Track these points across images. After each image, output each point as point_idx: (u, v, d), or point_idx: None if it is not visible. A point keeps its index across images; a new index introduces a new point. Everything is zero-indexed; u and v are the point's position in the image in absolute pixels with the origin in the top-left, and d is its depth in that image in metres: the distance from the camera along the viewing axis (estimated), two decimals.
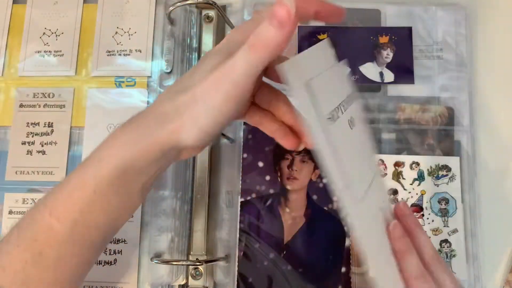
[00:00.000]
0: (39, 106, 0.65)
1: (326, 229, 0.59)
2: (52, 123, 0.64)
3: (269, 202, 0.60)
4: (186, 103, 0.40)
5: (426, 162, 0.61)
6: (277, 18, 0.34)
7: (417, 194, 0.60)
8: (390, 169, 0.61)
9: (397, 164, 0.61)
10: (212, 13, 0.67)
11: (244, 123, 0.62)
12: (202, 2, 0.63)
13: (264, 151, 0.61)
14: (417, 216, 0.60)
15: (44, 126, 0.64)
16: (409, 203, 0.60)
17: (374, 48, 0.64)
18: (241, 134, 0.62)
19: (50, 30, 0.68)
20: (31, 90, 0.66)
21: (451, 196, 0.60)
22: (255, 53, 0.36)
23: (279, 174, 0.61)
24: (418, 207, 0.60)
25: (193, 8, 0.68)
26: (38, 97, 0.65)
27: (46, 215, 0.42)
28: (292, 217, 0.60)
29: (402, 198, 0.60)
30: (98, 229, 0.43)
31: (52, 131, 0.64)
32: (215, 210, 0.62)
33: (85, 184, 0.41)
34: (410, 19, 0.66)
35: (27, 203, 0.63)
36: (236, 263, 0.59)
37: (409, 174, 0.61)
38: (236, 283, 0.59)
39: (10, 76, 0.67)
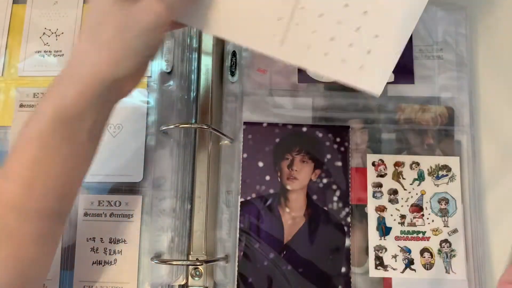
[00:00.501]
0: None
1: (326, 229, 0.59)
2: None
3: (269, 202, 0.60)
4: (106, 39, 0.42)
5: (426, 162, 0.61)
6: None
7: (417, 194, 0.60)
8: (390, 169, 0.61)
9: (397, 164, 0.61)
10: None
11: (244, 123, 0.62)
12: None
13: (264, 151, 0.61)
14: (417, 216, 0.60)
15: None
16: (409, 203, 0.60)
17: None
18: (241, 134, 0.62)
19: (50, 30, 0.68)
20: (31, 90, 0.66)
21: (451, 196, 0.60)
22: None
23: (279, 174, 0.61)
24: (418, 207, 0.60)
25: None
26: (38, 97, 0.65)
27: (1, 180, 0.42)
28: (292, 217, 0.60)
29: (402, 198, 0.60)
30: (56, 183, 0.44)
31: None
32: (215, 210, 0.62)
33: (32, 140, 0.42)
34: None
35: None
36: (236, 263, 0.59)
37: (409, 174, 0.61)
38: (236, 283, 0.59)
39: (10, 76, 0.67)
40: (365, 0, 0.41)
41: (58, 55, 0.67)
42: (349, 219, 0.60)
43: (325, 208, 0.60)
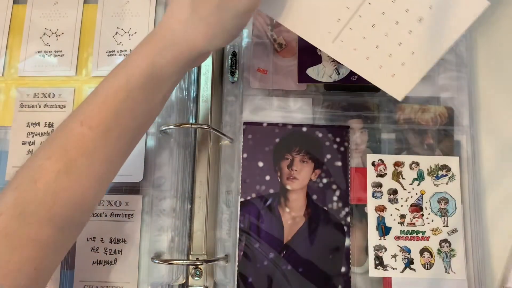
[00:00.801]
0: (40, 106, 0.65)
1: (326, 229, 0.60)
2: (52, 123, 0.65)
3: (269, 202, 0.60)
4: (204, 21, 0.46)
5: (426, 162, 0.61)
6: None
7: (416, 194, 0.60)
8: (390, 169, 0.61)
9: (397, 164, 0.61)
10: None
11: (244, 123, 0.62)
12: None
13: (264, 151, 0.62)
14: (416, 216, 0.60)
15: (44, 126, 0.64)
16: (409, 203, 0.60)
17: None
18: (241, 134, 0.62)
19: (50, 30, 0.68)
20: (32, 90, 0.66)
21: (451, 196, 0.60)
22: None
23: (279, 174, 0.61)
24: (417, 207, 0.60)
25: None
26: (38, 97, 0.65)
27: (77, 125, 0.44)
28: (292, 217, 0.60)
29: (401, 198, 0.60)
30: (127, 135, 0.47)
31: (52, 131, 0.64)
32: (215, 210, 0.62)
33: (119, 91, 0.45)
34: None
35: None
36: (236, 263, 0.59)
37: (408, 174, 0.61)
38: (236, 283, 0.59)
39: (10, 76, 0.67)
40: (412, 23, 0.49)
41: (58, 55, 0.67)
42: (349, 219, 0.60)
43: (325, 208, 0.60)
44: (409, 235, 0.60)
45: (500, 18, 0.67)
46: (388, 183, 0.61)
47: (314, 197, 0.60)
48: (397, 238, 0.60)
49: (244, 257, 0.59)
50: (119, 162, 0.49)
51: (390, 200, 0.60)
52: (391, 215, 0.60)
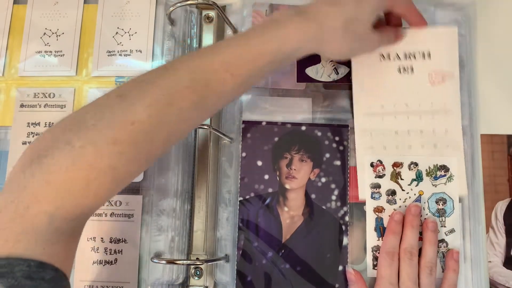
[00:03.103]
0: (40, 106, 0.65)
1: (324, 228, 0.59)
2: (52, 123, 0.65)
3: (267, 201, 0.60)
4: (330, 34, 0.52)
5: (425, 162, 0.61)
6: None
7: (415, 194, 0.60)
8: (389, 170, 0.61)
9: (396, 165, 0.61)
10: (212, 13, 0.68)
11: (243, 122, 0.62)
12: (202, 3, 0.64)
13: (263, 150, 0.62)
14: None
15: (44, 126, 0.65)
16: (407, 204, 0.60)
17: None
18: (240, 133, 0.62)
19: (50, 30, 0.68)
20: (32, 90, 0.66)
21: (449, 196, 0.60)
22: None
23: (278, 173, 0.61)
24: None
25: (193, 8, 0.68)
26: (38, 97, 0.66)
27: (222, 69, 0.47)
28: (291, 216, 0.60)
29: (400, 199, 0.60)
30: (247, 89, 0.53)
31: None
32: (215, 209, 0.62)
33: (265, 56, 0.49)
34: None
35: None
36: (235, 262, 0.59)
37: (407, 175, 0.61)
38: (235, 282, 0.59)
39: (10, 76, 0.67)
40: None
41: (59, 55, 0.67)
42: (347, 218, 0.60)
43: (324, 207, 0.60)
44: None
45: (499, 18, 0.67)
46: (386, 184, 0.60)
47: (313, 196, 0.60)
48: None
49: (242, 256, 0.59)
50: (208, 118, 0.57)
51: (388, 201, 0.60)
52: (389, 216, 0.60)
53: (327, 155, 0.61)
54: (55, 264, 0.41)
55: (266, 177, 0.61)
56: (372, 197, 0.60)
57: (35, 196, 0.40)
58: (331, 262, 0.59)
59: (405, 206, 0.60)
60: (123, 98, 0.44)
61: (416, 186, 0.60)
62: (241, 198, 0.61)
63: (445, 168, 0.60)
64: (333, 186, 0.60)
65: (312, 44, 0.51)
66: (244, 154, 0.62)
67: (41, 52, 0.67)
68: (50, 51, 0.67)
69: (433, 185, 0.60)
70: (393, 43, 0.61)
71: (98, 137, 0.41)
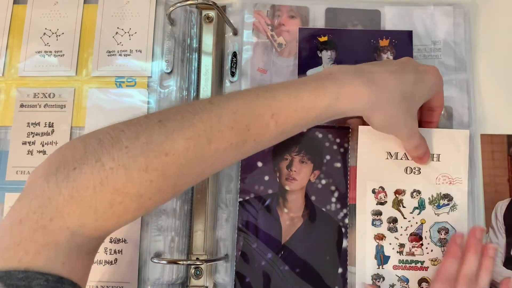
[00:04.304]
0: (40, 106, 0.65)
1: (323, 230, 0.60)
2: (52, 123, 0.65)
3: (267, 202, 0.60)
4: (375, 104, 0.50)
5: (428, 190, 0.59)
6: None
7: (416, 223, 0.59)
8: (391, 197, 0.60)
9: (398, 192, 0.60)
10: (212, 13, 0.67)
11: None
12: (202, 3, 0.64)
13: (263, 151, 0.61)
14: (416, 246, 0.59)
15: (44, 126, 0.65)
16: (408, 232, 0.59)
17: (374, 51, 0.64)
18: None
19: (50, 30, 0.68)
20: (32, 90, 0.66)
21: (451, 226, 0.59)
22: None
23: (278, 175, 0.61)
24: (417, 236, 0.59)
25: (193, 8, 0.68)
26: (38, 97, 0.66)
27: (268, 115, 0.46)
28: (290, 218, 0.60)
29: (401, 227, 0.59)
30: (287, 137, 0.50)
31: (52, 131, 0.65)
32: (215, 210, 0.62)
33: (315, 109, 0.48)
34: (410, 19, 0.65)
35: None
36: (234, 263, 0.59)
37: (409, 203, 0.59)
38: (233, 282, 0.59)
39: (10, 76, 0.67)
40: None
41: (59, 55, 0.67)
42: (347, 220, 0.60)
43: (324, 209, 0.60)
44: (407, 265, 0.58)
45: (499, 18, 0.67)
46: (388, 211, 0.59)
47: (313, 198, 0.60)
48: (395, 267, 0.58)
49: (241, 257, 0.59)
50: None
51: (389, 229, 0.59)
52: (390, 243, 0.59)
53: (328, 157, 0.61)
54: (73, 280, 0.40)
55: (266, 178, 0.61)
56: (373, 224, 0.59)
57: (59, 211, 0.39)
58: (331, 264, 0.59)
59: (407, 234, 0.59)
60: (163, 124, 0.43)
61: (418, 214, 0.59)
62: (241, 199, 0.61)
63: (448, 197, 0.59)
64: (333, 188, 0.60)
65: (365, 108, 0.50)
66: None
67: (41, 52, 0.67)
68: (50, 51, 0.67)
69: (435, 213, 0.59)
70: (421, 151, 0.57)
71: (130, 162, 0.40)
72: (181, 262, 0.59)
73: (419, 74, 0.52)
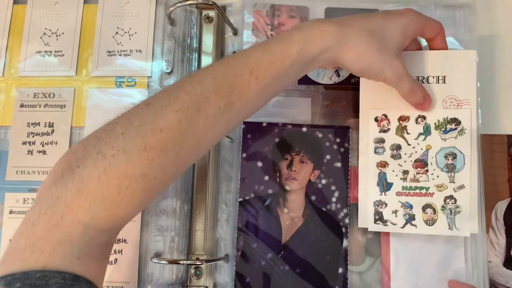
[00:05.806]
0: (40, 106, 0.65)
1: (324, 229, 0.59)
2: (52, 123, 0.65)
3: (267, 202, 0.60)
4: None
5: (434, 115, 0.58)
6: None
7: (421, 149, 0.58)
8: (394, 124, 0.59)
9: (402, 119, 0.59)
10: (212, 13, 0.67)
11: (244, 122, 0.62)
12: (202, 3, 0.64)
13: (263, 151, 0.61)
14: (420, 172, 0.58)
15: (44, 126, 0.65)
16: (413, 158, 0.58)
17: None
18: (241, 134, 0.62)
19: (50, 30, 0.68)
20: (32, 90, 0.66)
21: (459, 151, 0.58)
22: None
23: (278, 174, 0.61)
24: (422, 163, 0.58)
25: (193, 8, 0.68)
26: (38, 97, 0.66)
27: (247, 73, 0.47)
28: (290, 218, 0.60)
29: (405, 153, 0.58)
30: (273, 96, 0.52)
31: (52, 131, 0.65)
32: (215, 210, 0.62)
33: (287, 57, 0.48)
34: None
35: (28, 203, 0.63)
36: (234, 263, 0.59)
37: (414, 129, 0.59)
38: (233, 282, 0.59)
39: (10, 76, 0.67)
40: None
41: (59, 55, 0.67)
42: (347, 220, 0.60)
43: (324, 209, 0.60)
44: (411, 191, 0.58)
45: (500, 18, 0.67)
46: (391, 138, 0.59)
47: (313, 198, 0.60)
48: (398, 194, 0.58)
49: (241, 257, 0.59)
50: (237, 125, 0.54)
51: (393, 156, 0.58)
52: (393, 171, 0.58)
53: (328, 157, 0.61)
54: (88, 277, 0.41)
55: (266, 178, 0.61)
56: (375, 152, 0.59)
57: (68, 206, 0.40)
58: (331, 264, 0.59)
59: (411, 161, 0.58)
60: (151, 105, 0.44)
61: (423, 140, 0.58)
62: (241, 199, 0.61)
63: (456, 121, 0.58)
64: (333, 188, 0.60)
65: (334, 48, 0.50)
66: (244, 155, 0.62)
67: (41, 52, 0.67)
68: (50, 51, 0.67)
69: (442, 139, 0.58)
70: (419, 96, 0.56)
71: (129, 145, 0.42)
72: (181, 262, 0.59)
73: (387, 15, 0.54)
